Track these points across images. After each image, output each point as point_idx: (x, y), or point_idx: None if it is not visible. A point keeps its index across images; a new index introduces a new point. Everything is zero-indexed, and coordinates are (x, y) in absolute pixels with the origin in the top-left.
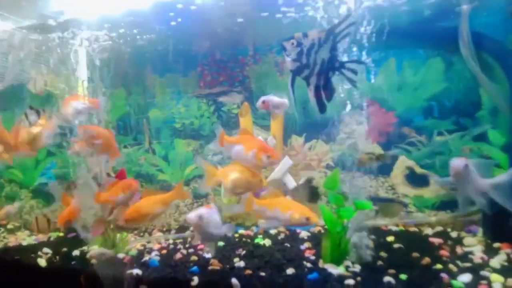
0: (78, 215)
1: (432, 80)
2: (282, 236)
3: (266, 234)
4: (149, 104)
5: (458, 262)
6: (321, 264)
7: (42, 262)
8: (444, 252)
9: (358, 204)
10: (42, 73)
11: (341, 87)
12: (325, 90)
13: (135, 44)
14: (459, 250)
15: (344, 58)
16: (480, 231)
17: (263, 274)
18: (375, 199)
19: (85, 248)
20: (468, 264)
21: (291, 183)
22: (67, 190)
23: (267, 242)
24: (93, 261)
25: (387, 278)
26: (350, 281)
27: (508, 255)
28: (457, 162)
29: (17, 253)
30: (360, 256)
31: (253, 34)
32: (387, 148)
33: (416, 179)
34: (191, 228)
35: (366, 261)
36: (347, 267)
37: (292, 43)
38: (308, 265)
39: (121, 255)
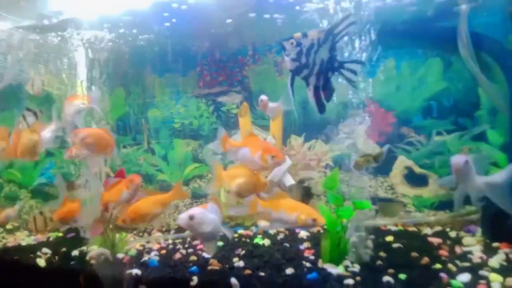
0: (76, 214)
1: (431, 80)
2: (281, 236)
3: (265, 234)
4: (148, 104)
5: (457, 262)
6: (320, 264)
7: (41, 262)
8: (443, 252)
9: (357, 203)
10: (40, 74)
11: (341, 87)
12: (324, 90)
13: (135, 44)
14: (458, 249)
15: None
16: (479, 230)
17: (262, 274)
18: (375, 199)
19: (84, 248)
20: (467, 264)
21: (288, 181)
22: (67, 190)
23: (267, 242)
24: (92, 261)
25: (386, 278)
26: (350, 281)
27: (507, 254)
28: (457, 159)
29: (16, 253)
30: (359, 256)
31: (252, 34)
32: None
33: (415, 179)
34: None
35: (365, 261)
36: (346, 267)
37: (292, 43)
38: (308, 265)
39: (120, 255)
